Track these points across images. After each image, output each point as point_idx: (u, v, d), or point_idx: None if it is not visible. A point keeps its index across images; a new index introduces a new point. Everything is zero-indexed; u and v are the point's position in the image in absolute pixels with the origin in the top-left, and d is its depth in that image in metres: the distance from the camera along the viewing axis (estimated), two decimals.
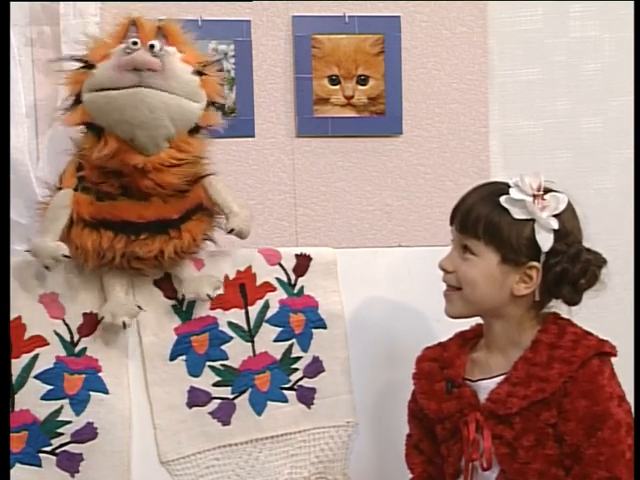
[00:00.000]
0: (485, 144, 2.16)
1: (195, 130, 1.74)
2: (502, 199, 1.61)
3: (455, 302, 1.67)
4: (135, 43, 1.67)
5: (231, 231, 1.76)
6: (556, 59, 2.17)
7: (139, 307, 1.79)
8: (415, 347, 1.78)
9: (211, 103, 1.75)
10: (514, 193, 1.60)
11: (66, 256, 1.70)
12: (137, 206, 1.74)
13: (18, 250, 1.89)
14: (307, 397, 1.90)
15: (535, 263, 1.61)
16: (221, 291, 1.82)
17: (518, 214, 1.60)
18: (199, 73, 1.72)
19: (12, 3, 1.84)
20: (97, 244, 1.73)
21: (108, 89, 1.67)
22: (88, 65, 1.70)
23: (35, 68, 1.99)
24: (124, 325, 1.76)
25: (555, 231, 1.60)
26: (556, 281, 1.60)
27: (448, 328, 1.76)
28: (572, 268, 1.59)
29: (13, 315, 1.73)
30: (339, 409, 1.92)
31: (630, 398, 1.62)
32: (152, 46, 1.66)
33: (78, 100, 1.71)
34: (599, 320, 1.72)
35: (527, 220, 1.60)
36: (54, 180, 1.82)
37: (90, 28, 1.95)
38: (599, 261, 1.63)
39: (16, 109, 1.92)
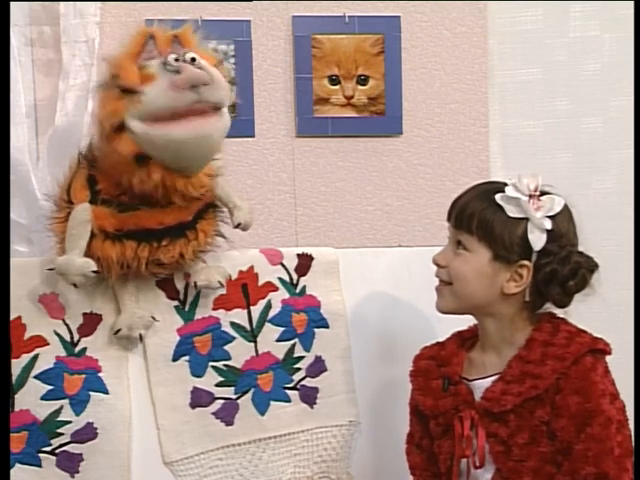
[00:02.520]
0: (485, 144, 2.16)
1: None
2: (497, 196, 1.61)
3: (446, 297, 1.68)
4: (177, 60, 1.58)
5: (238, 225, 1.77)
6: (556, 59, 2.17)
7: (153, 318, 1.80)
8: (415, 346, 1.78)
9: None
10: (510, 191, 1.61)
11: (95, 272, 1.69)
12: (157, 213, 1.72)
13: (18, 250, 1.89)
14: (310, 397, 1.90)
15: (526, 262, 1.61)
16: (224, 291, 1.83)
17: (512, 212, 1.61)
18: None
19: (12, 3, 1.83)
20: (121, 255, 1.71)
21: (163, 118, 1.58)
22: (129, 90, 1.59)
23: (35, 68, 1.98)
24: (140, 338, 1.79)
25: (548, 232, 1.60)
26: (545, 281, 1.60)
27: (449, 327, 1.77)
28: (562, 269, 1.59)
29: (13, 315, 1.72)
30: (342, 408, 1.92)
31: (630, 397, 1.62)
32: (193, 59, 1.59)
33: (121, 127, 1.60)
34: (599, 320, 1.72)
35: (521, 219, 1.60)
36: (54, 187, 1.79)
37: (90, 28, 1.95)
38: (590, 265, 1.62)
39: (16, 109, 1.91)
